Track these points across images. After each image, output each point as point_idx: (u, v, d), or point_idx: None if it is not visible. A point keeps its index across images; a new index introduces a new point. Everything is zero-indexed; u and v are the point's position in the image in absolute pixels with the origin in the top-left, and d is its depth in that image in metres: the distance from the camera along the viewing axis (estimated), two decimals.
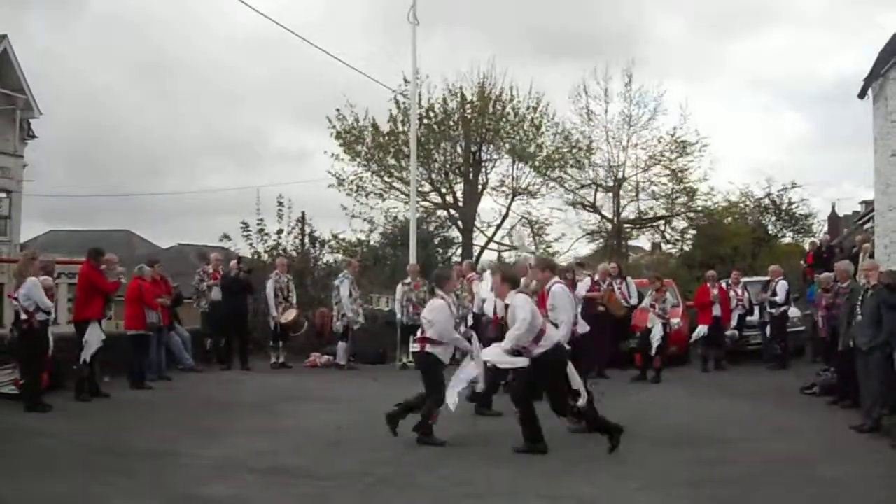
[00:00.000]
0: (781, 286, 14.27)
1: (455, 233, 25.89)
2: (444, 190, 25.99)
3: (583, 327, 8.56)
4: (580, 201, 25.99)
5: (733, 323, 14.52)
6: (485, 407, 9.03)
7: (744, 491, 6.12)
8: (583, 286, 12.96)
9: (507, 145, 25.25)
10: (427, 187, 25.56)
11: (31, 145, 28.19)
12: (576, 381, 7.33)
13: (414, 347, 7.81)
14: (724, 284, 14.62)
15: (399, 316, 14.35)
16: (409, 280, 14.53)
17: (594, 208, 26.10)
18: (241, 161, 67.76)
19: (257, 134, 65.22)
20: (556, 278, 8.29)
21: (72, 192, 71.62)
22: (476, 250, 25.49)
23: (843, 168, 63.02)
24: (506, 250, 26.36)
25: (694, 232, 25.68)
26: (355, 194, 24.97)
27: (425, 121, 24.28)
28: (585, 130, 25.33)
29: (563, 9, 48.51)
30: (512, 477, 6.46)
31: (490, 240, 26.30)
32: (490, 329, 9.69)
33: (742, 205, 25.88)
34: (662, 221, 26.34)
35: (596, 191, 25.87)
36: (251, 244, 17.05)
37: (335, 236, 21.04)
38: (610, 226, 26.10)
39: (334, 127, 24.94)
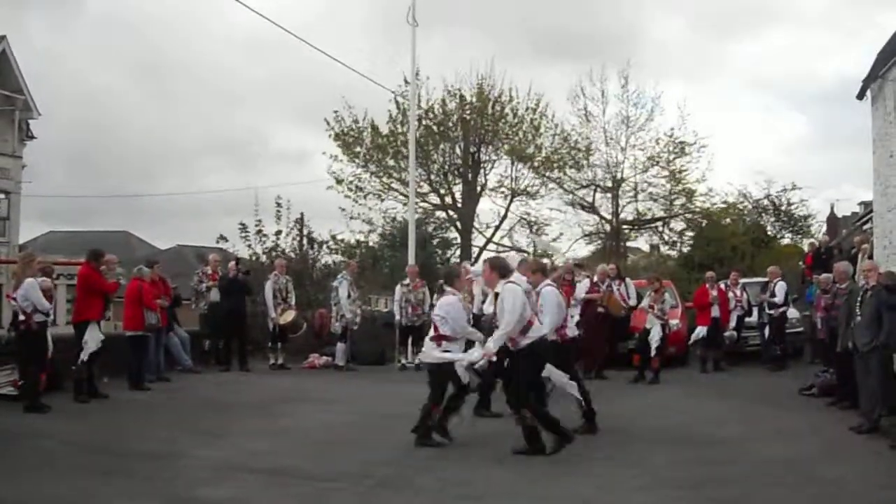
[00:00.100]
0: (780, 287, 14.27)
1: (454, 234, 25.94)
2: (442, 191, 26.03)
3: (572, 331, 8.54)
4: (579, 202, 26.03)
5: (732, 324, 14.51)
6: (483, 408, 9.02)
7: (743, 491, 6.12)
8: (582, 287, 13.00)
9: (506, 146, 25.28)
10: (426, 188, 25.58)
11: (29, 146, 28.16)
12: (555, 377, 7.33)
13: (430, 346, 7.77)
14: (722, 285, 14.62)
15: (398, 317, 14.36)
16: (407, 281, 14.54)
17: (593, 209, 26.13)
18: (241, 162, 67.90)
19: (256, 135, 65.33)
20: (548, 281, 8.30)
21: (70, 193, 71.92)
22: (475, 251, 25.51)
23: (843, 169, 63.08)
24: (505, 251, 26.35)
25: (692, 233, 25.69)
26: (354, 195, 25.04)
27: (425, 122, 24.30)
28: (584, 132, 25.38)
29: (562, 9, 48.58)
30: (511, 478, 6.46)
31: (489, 241, 26.34)
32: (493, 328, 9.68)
33: (740, 206, 25.90)
34: (661, 223, 26.39)
35: (595, 192, 25.91)
36: (249, 245, 17.08)
37: (333, 237, 21.06)
38: (608, 227, 26.13)
39: (332, 129, 25.01)
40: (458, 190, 26.02)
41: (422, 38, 27.86)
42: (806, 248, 20.48)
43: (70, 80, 64.22)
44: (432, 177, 25.60)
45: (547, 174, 25.42)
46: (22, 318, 9.26)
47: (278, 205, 17.45)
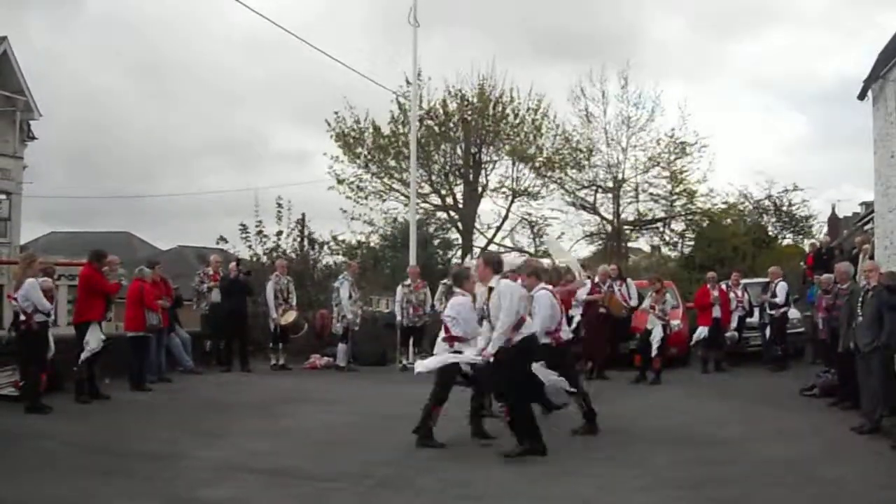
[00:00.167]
0: (781, 287, 14.26)
1: (455, 234, 25.95)
2: (443, 191, 26.04)
3: (567, 334, 8.51)
4: (580, 203, 26.03)
5: (733, 324, 14.50)
6: (483, 409, 9.01)
7: (744, 492, 6.12)
8: (583, 289, 12.99)
9: (507, 147, 25.28)
10: (427, 189, 25.59)
11: (30, 147, 28.22)
12: (541, 375, 7.39)
13: (442, 346, 7.78)
14: (723, 286, 14.61)
15: (399, 318, 14.37)
16: (408, 282, 14.55)
17: (594, 209, 26.13)
18: (241, 162, 67.95)
19: (257, 135, 65.36)
20: (542, 284, 8.28)
21: (71, 194, 71.80)
22: (476, 252, 25.49)
23: (844, 169, 62.97)
24: (505, 252, 26.36)
25: (693, 234, 25.68)
26: (355, 195, 25.05)
27: (427, 122, 24.31)
28: (585, 132, 25.39)
29: (562, 9, 48.60)
30: (511, 478, 6.46)
31: (490, 241, 26.33)
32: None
33: (741, 206, 25.90)
34: (662, 223, 26.39)
35: (596, 192, 25.92)
36: (249, 246, 17.09)
37: (335, 238, 21.08)
38: (610, 227, 26.13)
39: (333, 130, 25.02)
40: (459, 190, 26.03)
41: (422, 38, 27.75)
42: (807, 249, 20.48)
43: (70, 81, 64.37)
44: (433, 177, 25.61)
45: (548, 175, 25.44)
46: (22, 318, 9.28)
47: (279, 205, 17.48)
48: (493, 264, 7.51)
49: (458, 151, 25.54)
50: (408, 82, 21.69)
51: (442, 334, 7.92)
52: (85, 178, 62.64)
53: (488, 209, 26.96)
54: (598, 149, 25.34)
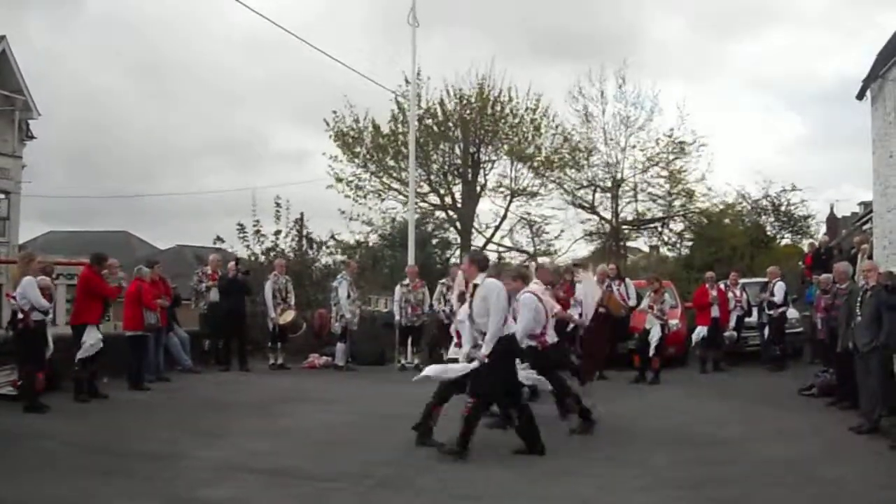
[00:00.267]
0: (779, 287, 14.28)
1: (453, 234, 25.92)
2: (442, 191, 26.03)
3: (552, 337, 8.50)
4: (579, 202, 26.03)
5: (732, 324, 14.52)
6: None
7: (743, 491, 6.13)
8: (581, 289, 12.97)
9: (506, 146, 25.28)
10: (426, 188, 25.58)
11: (29, 146, 28.18)
12: (522, 375, 7.48)
13: (454, 352, 7.83)
14: (722, 285, 14.62)
15: (397, 317, 14.36)
16: (407, 281, 14.54)
17: (592, 209, 26.14)
18: (241, 162, 67.86)
19: (256, 135, 65.26)
20: (527, 288, 8.27)
21: (70, 194, 71.69)
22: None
23: (843, 169, 63.05)
24: (504, 251, 26.40)
25: (692, 234, 25.69)
26: (354, 194, 25.03)
27: (427, 121, 24.29)
28: (584, 132, 25.39)
29: (562, 9, 48.59)
30: (511, 478, 6.46)
31: (489, 241, 26.33)
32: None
33: (739, 206, 25.92)
34: (660, 223, 26.40)
35: (594, 192, 25.93)
36: (247, 246, 17.07)
37: (333, 237, 21.07)
38: (608, 227, 26.14)
39: (332, 129, 25.00)
40: (457, 190, 26.02)
41: (422, 38, 27.85)
42: (805, 249, 20.50)
43: (70, 80, 64.27)
44: (432, 177, 25.61)
45: (547, 174, 25.43)
46: (20, 316, 9.26)
47: (277, 205, 17.47)
48: (479, 262, 7.53)
49: (457, 151, 25.53)
50: (407, 82, 21.72)
51: (455, 340, 7.93)
52: (84, 177, 62.62)
53: (487, 209, 27.02)
54: (597, 148, 25.40)
